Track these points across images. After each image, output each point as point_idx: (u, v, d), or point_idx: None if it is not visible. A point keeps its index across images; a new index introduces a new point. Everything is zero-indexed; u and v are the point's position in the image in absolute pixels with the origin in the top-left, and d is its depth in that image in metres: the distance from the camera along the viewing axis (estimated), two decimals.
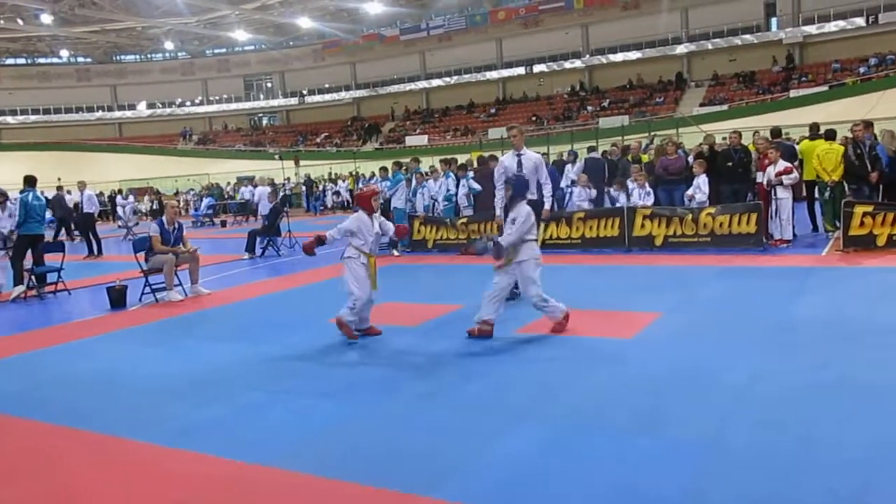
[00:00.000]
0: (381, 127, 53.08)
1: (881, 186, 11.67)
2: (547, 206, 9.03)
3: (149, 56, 61.22)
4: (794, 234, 11.98)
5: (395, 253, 14.03)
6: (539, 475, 3.91)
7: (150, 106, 61.27)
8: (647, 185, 12.91)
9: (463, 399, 5.30)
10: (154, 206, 35.52)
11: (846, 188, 11.78)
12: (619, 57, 47.07)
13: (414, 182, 15.35)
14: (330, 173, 37.76)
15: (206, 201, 31.09)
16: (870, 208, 10.48)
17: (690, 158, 13.11)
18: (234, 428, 4.97)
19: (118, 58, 61.23)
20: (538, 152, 17.27)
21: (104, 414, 5.44)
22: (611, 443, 4.28)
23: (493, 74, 51.67)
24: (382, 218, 7.61)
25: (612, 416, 4.74)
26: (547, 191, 8.92)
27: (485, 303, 6.96)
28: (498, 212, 9.05)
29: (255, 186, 29.14)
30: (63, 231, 21.62)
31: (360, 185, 27.55)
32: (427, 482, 3.90)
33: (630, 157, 14.83)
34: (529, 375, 5.76)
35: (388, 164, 16.10)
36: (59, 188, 22.84)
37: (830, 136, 12.27)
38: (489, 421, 4.77)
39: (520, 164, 8.73)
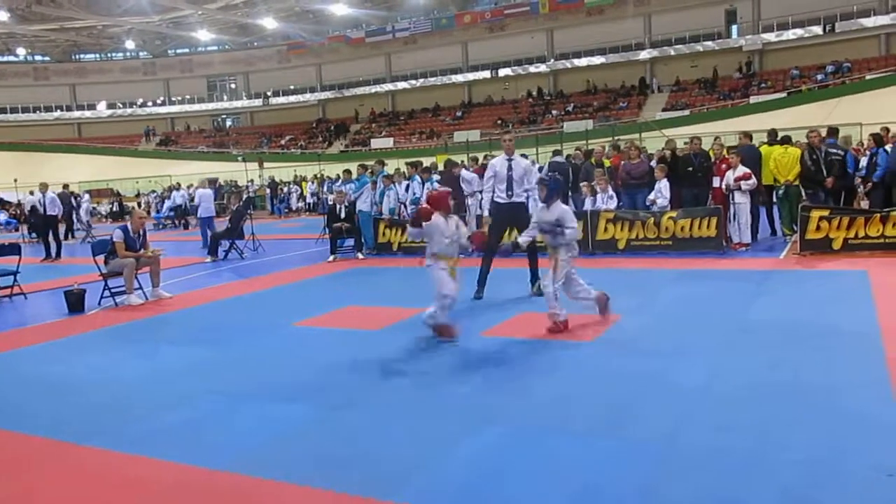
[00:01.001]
0: (348, 127, 52.94)
1: (842, 192, 11.93)
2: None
3: (109, 55, 60.29)
4: (756, 238, 12.22)
5: (360, 256, 13.99)
6: (499, 477, 3.94)
7: (111, 106, 60.30)
8: (609, 188, 13.05)
9: (424, 402, 5.31)
10: (114, 209, 35.05)
11: (802, 193, 12.04)
12: (583, 62, 47.57)
13: (380, 185, 15.33)
14: (295, 176, 37.54)
15: (167, 203, 30.66)
16: (826, 213, 10.73)
17: (653, 163, 13.28)
18: (196, 433, 4.92)
19: (77, 56, 60.20)
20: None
21: (62, 420, 5.35)
22: (571, 444, 4.32)
23: (459, 78, 51.81)
24: (459, 220, 7.40)
25: (573, 418, 4.79)
26: (534, 195, 8.89)
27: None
28: (485, 213, 9.16)
29: (179, 188, 29.32)
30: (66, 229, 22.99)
31: (325, 188, 27.44)
32: (387, 486, 3.90)
33: (593, 160, 14.96)
34: (491, 378, 5.79)
35: (353, 166, 16.07)
36: (65, 186, 24.64)
37: (786, 141, 12.56)
38: (450, 424, 4.79)
39: (510, 167, 8.85)
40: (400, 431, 4.73)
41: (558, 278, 7.01)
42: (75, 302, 9.94)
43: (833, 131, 12.67)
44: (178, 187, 29.85)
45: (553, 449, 4.27)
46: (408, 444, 4.51)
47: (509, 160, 8.94)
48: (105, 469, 4.44)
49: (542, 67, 49.05)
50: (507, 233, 9.58)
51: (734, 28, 44.06)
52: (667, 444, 4.23)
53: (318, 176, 33.12)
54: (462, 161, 17.13)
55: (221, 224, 18.32)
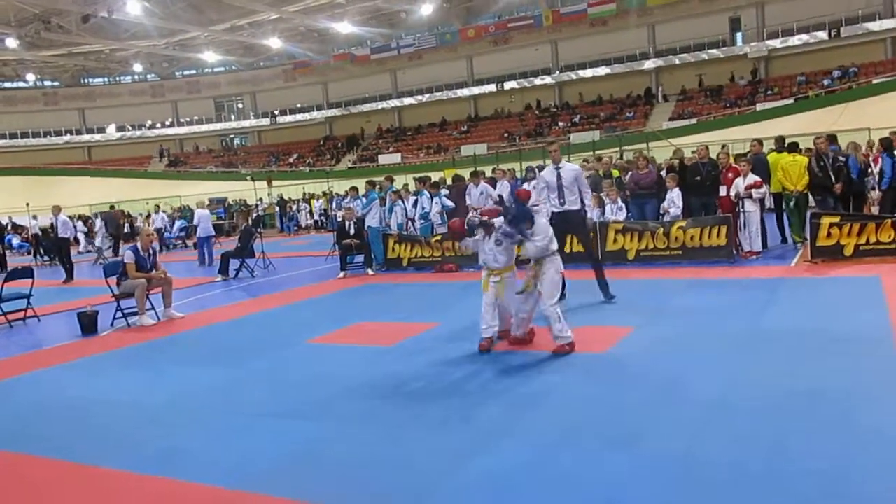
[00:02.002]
0: (359, 139, 53.15)
1: (850, 197, 11.88)
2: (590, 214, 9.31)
3: (117, 78, 60.82)
4: (766, 246, 12.18)
5: (370, 272, 14.02)
6: (515, 493, 3.92)
7: (120, 129, 60.77)
8: (619, 199, 13.05)
9: (438, 417, 5.31)
10: (126, 230, 35.25)
11: (810, 199, 12.00)
12: (588, 73, 47.63)
13: (389, 200, 15.39)
14: (304, 193, 37.70)
15: (178, 224, 30.83)
16: (836, 219, 10.67)
17: (662, 172, 13.29)
18: (211, 452, 4.93)
19: (86, 81, 60.76)
20: (509, 168, 17.36)
21: (78, 442, 5.37)
22: (586, 459, 4.31)
23: (465, 92, 51.97)
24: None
25: (587, 431, 4.77)
26: (587, 199, 9.19)
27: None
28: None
29: (158, 211, 29.16)
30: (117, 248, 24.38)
31: (334, 205, 27.58)
32: (404, 502, 3.90)
33: (601, 172, 14.97)
34: (504, 392, 5.77)
35: (359, 183, 16.13)
36: (112, 207, 27.60)
37: (793, 148, 12.51)
38: (464, 439, 4.79)
39: (559, 176, 8.91)
40: (414, 448, 4.72)
41: (550, 295, 6.78)
42: (88, 324, 9.99)
43: (832, 137, 12.64)
44: (157, 210, 29.25)
45: (568, 464, 4.25)
46: (422, 460, 4.50)
47: (557, 168, 9.00)
48: (121, 490, 4.45)
49: (548, 79, 49.16)
50: (567, 240, 9.64)
51: (739, 36, 44.03)
52: (683, 458, 4.20)
53: (327, 193, 33.25)
54: (484, 172, 17.20)
55: (225, 244, 18.64)
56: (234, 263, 15.49)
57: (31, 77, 57.41)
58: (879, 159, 12.18)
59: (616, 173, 14.65)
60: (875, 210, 12.62)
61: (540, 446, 4.55)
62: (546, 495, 3.85)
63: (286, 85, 58.15)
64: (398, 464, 4.46)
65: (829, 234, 10.62)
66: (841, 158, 11.86)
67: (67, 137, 60.39)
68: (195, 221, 20.66)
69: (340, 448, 4.86)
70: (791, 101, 37.26)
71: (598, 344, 6.98)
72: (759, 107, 37.76)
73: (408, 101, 54.19)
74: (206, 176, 52.31)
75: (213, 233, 19.81)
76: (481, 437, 4.80)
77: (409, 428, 5.13)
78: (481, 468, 4.29)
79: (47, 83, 59.93)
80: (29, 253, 27.23)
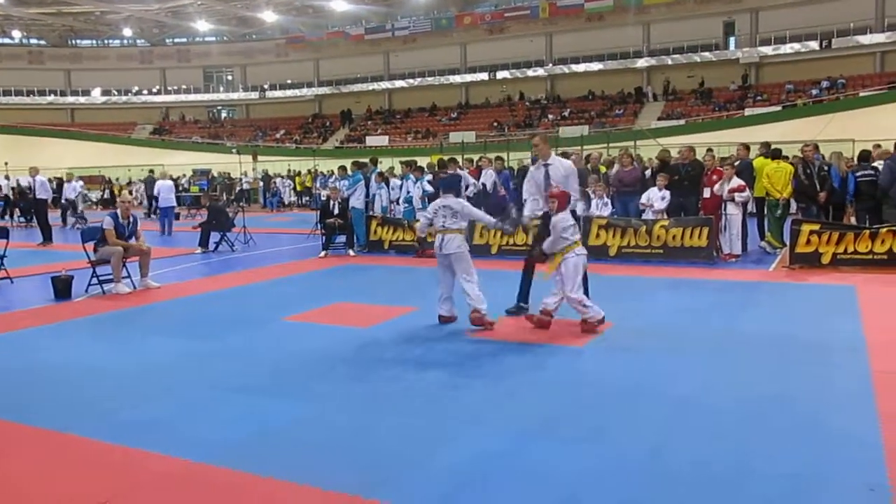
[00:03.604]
0: (352, 115, 52.79)
1: (830, 207, 12.00)
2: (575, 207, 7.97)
3: (106, 41, 59.96)
4: (746, 249, 12.27)
5: (351, 253, 13.96)
6: (482, 483, 3.92)
7: (105, 93, 59.89)
8: (604, 195, 13.08)
9: (409, 403, 5.30)
10: (105, 196, 34.90)
11: (791, 205, 12.11)
12: (581, 67, 47.58)
13: (373, 182, 15.32)
14: (289, 170, 37.46)
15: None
16: (816, 227, 10.80)
17: (647, 172, 13.35)
18: (180, 425, 4.89)
19: (74, 42, 59.81)
20: (497, 156, 17.30)
21: (44, 407, 5.30)
22: (555, 451, 4.31)
23: (457, 78, 51.74)
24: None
25: (559, 424, 4.78)
26: (578, 202, 8.12)
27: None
28: (527, 212, 8.19)
29: (70, 181, 27.84)
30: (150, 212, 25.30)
31: (318, 184, 27.50)
32: (372, 484, 3.89)
33: (589, 166, 14.98)
34: (478, 381, 5.78)
35: (347, 162, 16.06)
36: (151, 171, 28.21)
37: (776, 155, 12.59)
38: (435, 427, 4.78)
39: (547, 175, 7.77)
40: (385, 430, 4.71)
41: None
42: (62, 288, 9.87)
43: (814, 147, 12.77)
44: (69, 180, 24.93)
45: (538, 454, 4.25)
46: (393, 443, 4.49)
47: (545, 165, 7.81)
48: (86, 457, 4.39)
49: (540, 71, 49.07)
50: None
51: (732, 40, 44.22)
52: (652, 455, 4.22)
53: (312, 171, 33.07)
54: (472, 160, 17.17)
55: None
56: (214, 237, 15.38)
57: (16, 34, 56.37)
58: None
59: (603, 169, 14.67)
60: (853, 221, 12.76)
61: (509, 437, 4.55)
62: (511, 486, 3.85)
63: (278, 59, 57.56)
64: (365, 448, 4.44)
65: (808, 242, 10.73)
66: (825, 167, 11.97)
67: (51, 98, 59.38)
68: (155, 192, 21.19)
69: (309, 428, 4.83)
70: (779, 108, 37.49)
71: (576, 338, 7.00)
72: (747, 112, 37.94)
73: (399, 83, 53.91)
74: (190, 146, 51.71)
75: (174, 204, 20.97)
76: (450, 425, 4.79)
77: (380, 410, 5.11)
78: (448, 456, 4.28)
79: (33, 41, 58.91)
80: (4, 213, 26.84)
